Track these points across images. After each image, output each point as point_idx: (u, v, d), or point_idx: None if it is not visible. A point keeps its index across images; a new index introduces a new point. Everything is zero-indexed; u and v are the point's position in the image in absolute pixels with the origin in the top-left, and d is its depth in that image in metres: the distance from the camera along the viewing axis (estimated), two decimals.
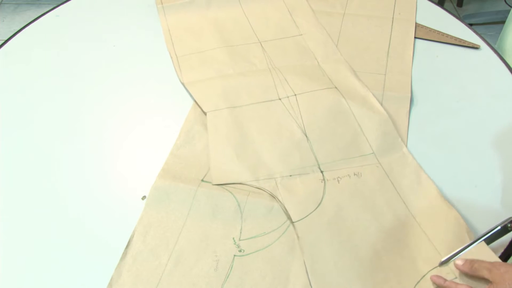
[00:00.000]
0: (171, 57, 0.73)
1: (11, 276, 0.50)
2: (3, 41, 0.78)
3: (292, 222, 0.52)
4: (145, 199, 0.55)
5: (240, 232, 0.52)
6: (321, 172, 0.58)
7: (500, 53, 0.77)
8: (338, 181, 0.57)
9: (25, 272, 0.50)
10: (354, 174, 0.57)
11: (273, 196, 0.55)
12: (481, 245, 0.48)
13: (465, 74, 0.72)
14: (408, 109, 0.66)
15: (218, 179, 0.57)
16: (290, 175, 0.57)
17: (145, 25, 0.81)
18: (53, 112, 0.66)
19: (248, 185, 0.56)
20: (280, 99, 0.66)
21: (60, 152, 0.61)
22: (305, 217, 0.53)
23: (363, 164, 0.59)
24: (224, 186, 0.57)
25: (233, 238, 0.52)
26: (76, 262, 0.51)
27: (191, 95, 0.68)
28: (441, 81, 0.71)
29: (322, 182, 0.57)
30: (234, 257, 0.50)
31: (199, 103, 0.65)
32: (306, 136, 0.61)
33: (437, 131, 0.64)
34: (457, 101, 0.68)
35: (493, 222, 0.53)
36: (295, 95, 0.66)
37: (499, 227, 0.49)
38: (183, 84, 0.69)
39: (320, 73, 0.70)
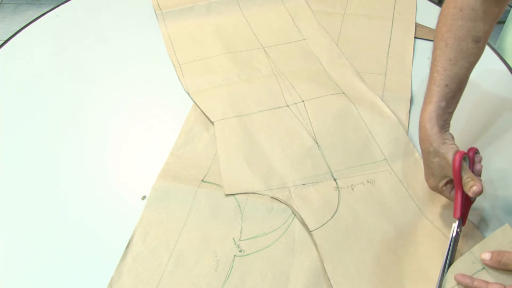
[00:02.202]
0: (174, 65, 0.73)
1: (11, 276, 0.50)
2: (3, 41, 0.78)
3: (309, 231, 0.52)
4: (145, 199, 0.56)
5: (240, 233, 0.52)
6: (334, 180, 0.57)
7: (500, 53, 0.77)
8: (352, 188, 0.56)
9: (25, 272, 0.50)
10: (368, 182, 0.57)
11: (287, 205, 0.54)
12: (506, 228, 0.47)
13: None
14: (408, 109, 0.66)
15: (230, 189, 0.56)
16: (303, 184, 0.57)
17: (145, 25, 0.81)
18: (53, 112, 0.66)
19: (261, 195, 0.55)
20: (288, 105, 0.65)
21: (60, 152, 0.61)
22: (322, 225, 0.52)
23: (376, 171, 0.58)
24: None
25: (233, 239, 0.52)
26: (76, 262, 0.51)
27: (193, 100, 0.67)
28: None
29: (336, 190, 0.56)
30: (234, 258, 0.50)
31: (206, 113, 0.64)
32: (317, 143, 0.61)
33: None
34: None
35: (493, 223, 0.53)
36: (303, 101, 0.66)
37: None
38: (188, 93, 0.68)
39: (326, 78, 0.70)
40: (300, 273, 0.49)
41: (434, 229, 0.53)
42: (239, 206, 0.55)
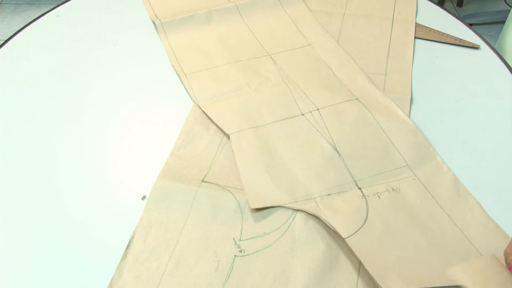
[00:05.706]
0: (179, 75, 0.72)
1: (10, 277, 0.50)
2: (3, 41, 0.78)
3: (344, 238, 0.51)
4: (146, 199, 0.56)
5: (241, 233, 0.52)
6: (359, 188, 0.56)
7: (500, 53, 0.77)
8: (378, 196, 0.55)
9: (25, 272, 0.50)
10: (393, 189, 0.56)
11: (316, 216, 0.53)
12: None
13: (465, 74, 0.72)
14: (409, 109, 0.66)
15: (255, 203, 0.54)
16: (329, 194, 0.55)
17: (145, 25, 0.81)
18: (52, 112, 0.66)
19: (288, 207, 0.54)
20: (303, 114, 0.64)
21: (60, 152, 0.61)
22: (355, 232, 0.51)
23: (400, 178, 0.57)
24: (224, 186, 0.57)
25: (234, 239, 0.52)
26: (76, 263, 0.51)
27: (205, 112, 0.67)
28: (441, 81, 0.71)
29: (362, 198, 0.55)
30: (234, 258, 0.50)
31: (219, 125, 0.63)
32: (338, 152, 0.59)
33: (437, 131, 0.64)
34: (457, 101, 0.68)
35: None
36: (318, 109, 0.65)
37: None
38: (198, 105, 0.66)
39: (338, 84, 0.69)
40: (300, 273, 0.49)
41: (464, 239, 0.52)
42: (239, 206, 0.55)
